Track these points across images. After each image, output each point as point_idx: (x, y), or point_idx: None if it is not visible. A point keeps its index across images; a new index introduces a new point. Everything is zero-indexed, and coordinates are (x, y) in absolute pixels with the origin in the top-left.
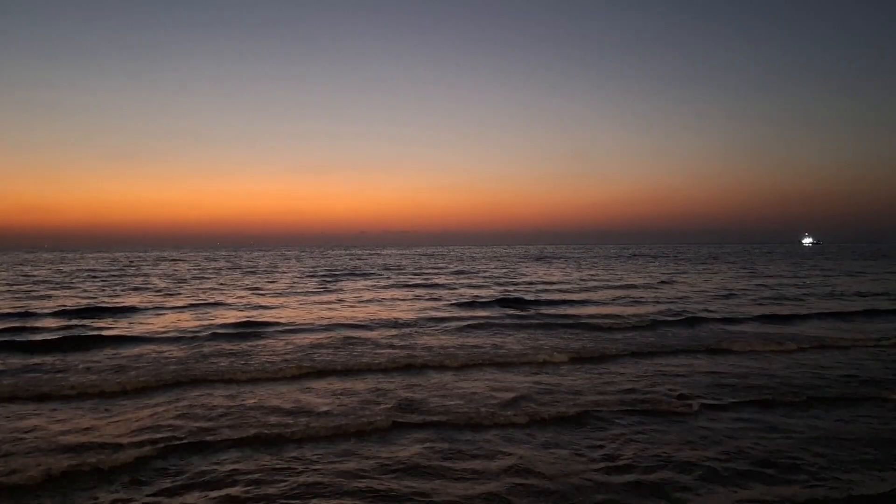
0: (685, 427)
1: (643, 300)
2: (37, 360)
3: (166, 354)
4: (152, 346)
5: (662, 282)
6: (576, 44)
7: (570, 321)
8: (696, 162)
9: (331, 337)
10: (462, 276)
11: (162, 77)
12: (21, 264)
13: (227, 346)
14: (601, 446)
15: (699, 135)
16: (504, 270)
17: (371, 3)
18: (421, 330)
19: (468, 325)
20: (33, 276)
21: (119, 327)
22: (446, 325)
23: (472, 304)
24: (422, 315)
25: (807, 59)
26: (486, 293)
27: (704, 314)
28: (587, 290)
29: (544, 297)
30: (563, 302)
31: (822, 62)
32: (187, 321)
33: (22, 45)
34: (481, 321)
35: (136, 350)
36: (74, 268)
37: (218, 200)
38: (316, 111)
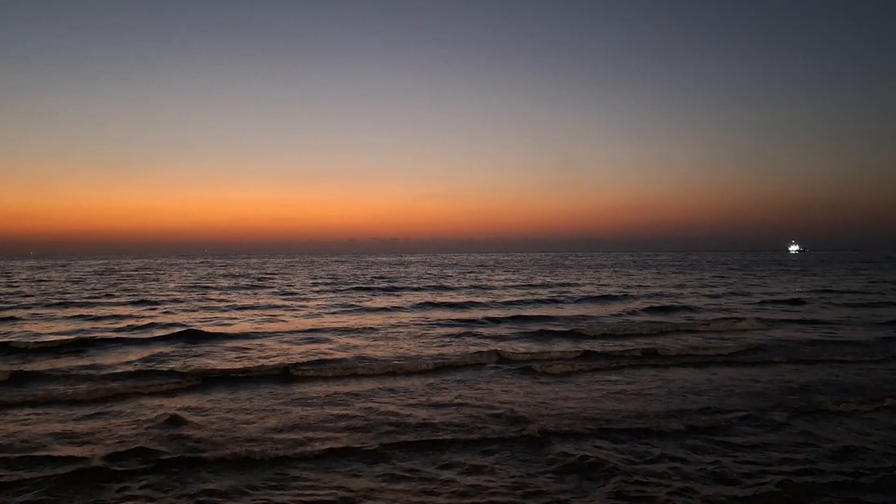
0: None
1: None
2: None
3: None
4: None
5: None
6: (564, 54)
7: None
8: (684, 171)
9: None
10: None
11: (152, 85)
12: None
13: None
14: None
15: (687, 144)
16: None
17: (362, 13)
18: None
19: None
20: None
21: None
22: None
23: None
24: None
25: (792, 70)
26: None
27: None
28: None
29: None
30: None
31: (807, 73)
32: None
33: (9, 53)
34: None
35: None
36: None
37: (208, 208)
38: (306, 120)
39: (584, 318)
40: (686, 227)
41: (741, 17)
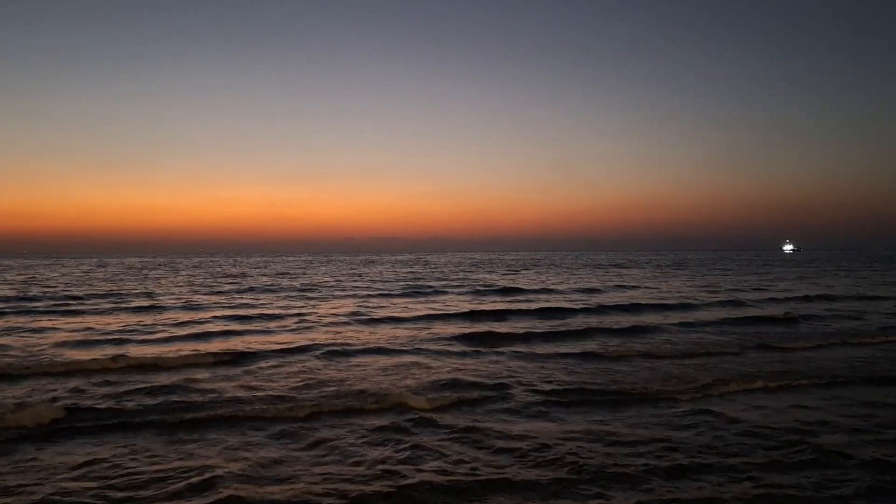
0: None
1: None
2: None
3: None
4: None
5: None
6: (561, 54)
7: None
8: (681, 170)
9: None
10: None
11: (152, 85)
12: None
13: None
14: None
15: (685, 144)
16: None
17: (359, 13)
18: None
19: None
20: None
21: None
22: None
23: None
24: None
25: (792, 71)
26: None
27: None
28: None
29: None
30: None
31: (807, 73)
32: None
33: (9, 53)
34: None
35: None
36: None
37: (206, 207)
38: (305, 119)
39: (680, 327)
40: (684, 227)
41: (741, 17)
